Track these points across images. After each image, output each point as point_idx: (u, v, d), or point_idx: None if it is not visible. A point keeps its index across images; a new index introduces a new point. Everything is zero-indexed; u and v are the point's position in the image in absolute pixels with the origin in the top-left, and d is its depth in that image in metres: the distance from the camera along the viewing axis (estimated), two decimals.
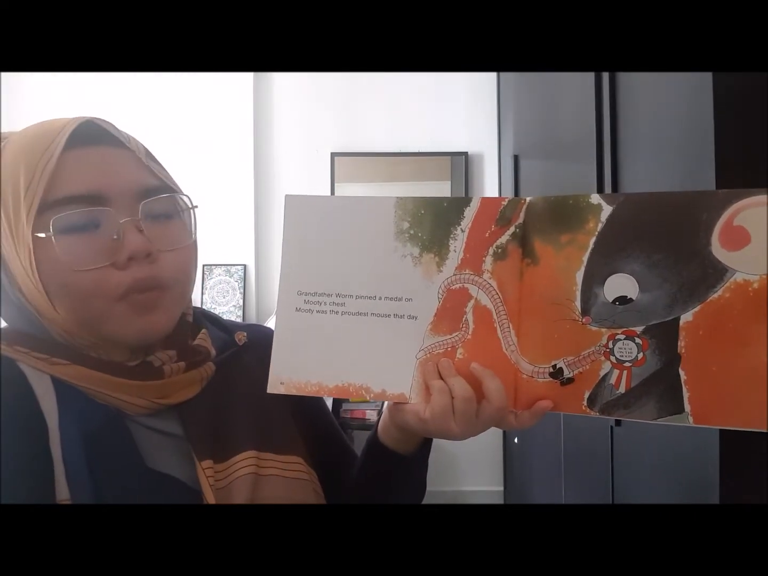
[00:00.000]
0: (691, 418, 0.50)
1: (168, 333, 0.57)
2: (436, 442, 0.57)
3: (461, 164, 2.90)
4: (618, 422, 1.29)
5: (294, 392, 0.56)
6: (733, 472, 0.88)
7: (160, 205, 0.55)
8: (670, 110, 1.08)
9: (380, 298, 0.55)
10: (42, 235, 0.50)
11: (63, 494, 0.49)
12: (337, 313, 0.56)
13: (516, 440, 2.49)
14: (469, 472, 2.90)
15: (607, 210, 0.51)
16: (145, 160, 0.56)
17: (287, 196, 0.56)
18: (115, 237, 0.52)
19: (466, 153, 2.90)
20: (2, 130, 0.56)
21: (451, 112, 2.91)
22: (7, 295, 0.55)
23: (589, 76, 1.45)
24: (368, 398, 0.56)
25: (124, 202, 0.53)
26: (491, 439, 2.79)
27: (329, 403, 2.32)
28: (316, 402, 0.72)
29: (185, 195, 0.58)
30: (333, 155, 2.91)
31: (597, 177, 1.40)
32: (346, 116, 2.92)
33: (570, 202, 0.52)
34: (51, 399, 0.52)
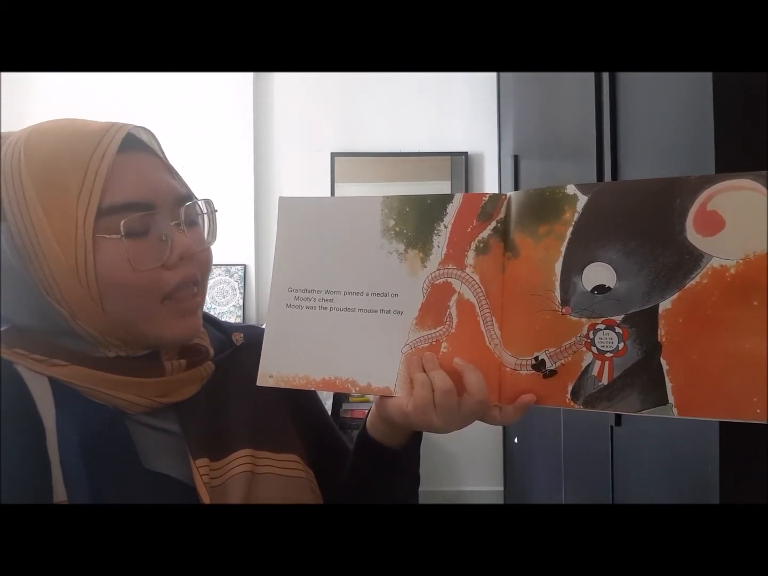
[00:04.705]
0: (675, 410, 0.48)
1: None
2: (436, 443, 0.57)
3: (461, 164, 2.90)
4: (618, 422, 1.29)
5: (282, 385, 0.57)
6: (733, 472, 0.88)
7: (191, 210, 0.58)
8: (670, 110, 1.08)
9: (367, 294, 0.56)
10: (109, 237, 0.52)
11: (60, 495, 0.49)
12: (325, 308, 0.57)
13: (516, 440, 2.49)
14: (469, 472, 2.90)
15: (582, 199, 0.51)
16: (171, 170, 0.59)
17: (281, 198, 0.59)
18: (163, 239, 0.54)
19: (466, 153, 2.90)
20: (4, 130, 0.56)
21: (451, 112, 2.91)
22: (25, 292, 0.53)
23: (589, 76, 1.45)
24: (353, 392, 0.57)
25: (167, 208, 0.55)
26: (491, 439, 2.79)
27: (329, 403, 2.32)
28: (313, 400, 0.72)
29: (206, 200, 0.61)
30: (333, 155, 2.91)
31: (597, 177, 1.40)
32: (346, 116, 2.92)
33: (547, 194, 0.52)
34: (48, 400, 0.52)
